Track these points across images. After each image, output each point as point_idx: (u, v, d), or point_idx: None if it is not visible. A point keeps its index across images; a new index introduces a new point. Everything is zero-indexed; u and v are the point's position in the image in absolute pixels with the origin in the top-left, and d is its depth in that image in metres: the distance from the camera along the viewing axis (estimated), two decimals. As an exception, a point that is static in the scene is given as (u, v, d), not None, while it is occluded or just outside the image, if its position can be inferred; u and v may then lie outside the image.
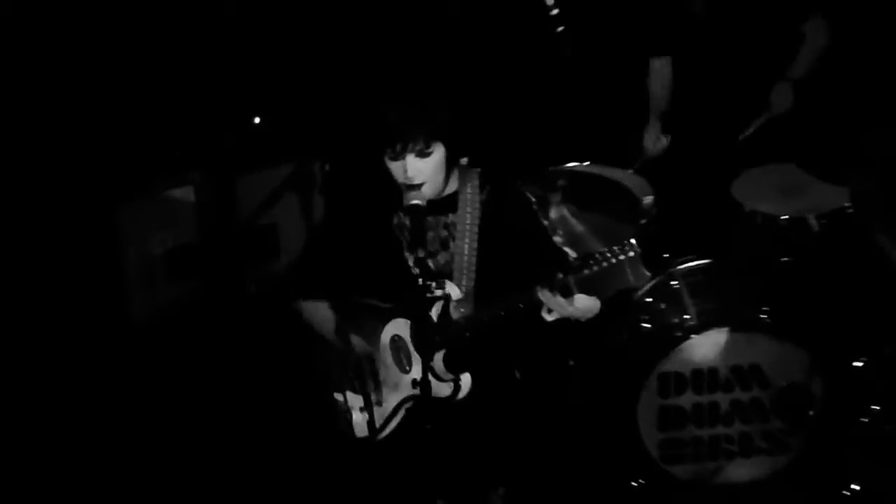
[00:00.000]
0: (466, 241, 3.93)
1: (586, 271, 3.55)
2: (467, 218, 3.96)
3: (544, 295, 3.64)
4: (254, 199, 5.81)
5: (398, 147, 3.82)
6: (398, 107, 3.83)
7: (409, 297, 3.91)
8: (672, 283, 4.99)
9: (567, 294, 3.62)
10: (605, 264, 3.52)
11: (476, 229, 3.95)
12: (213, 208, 5.64)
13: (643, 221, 4.90)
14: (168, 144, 5.60)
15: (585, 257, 3.55)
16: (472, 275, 3.96)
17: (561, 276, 3.59)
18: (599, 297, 3.71)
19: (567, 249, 4.27)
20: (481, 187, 4.01)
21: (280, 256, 5.83)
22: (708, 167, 5.38)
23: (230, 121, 5.74)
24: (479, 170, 4.06)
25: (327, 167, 5.76)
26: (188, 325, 5.56)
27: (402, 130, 3.79)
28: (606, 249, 3.52)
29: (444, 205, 3.98)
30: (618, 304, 4.05)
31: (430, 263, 3.93)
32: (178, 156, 5.60)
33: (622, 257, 3.51)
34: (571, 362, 4.88)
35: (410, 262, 3.98)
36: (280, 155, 5.84)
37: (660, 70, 5.38)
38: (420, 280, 3.81)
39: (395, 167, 3.87)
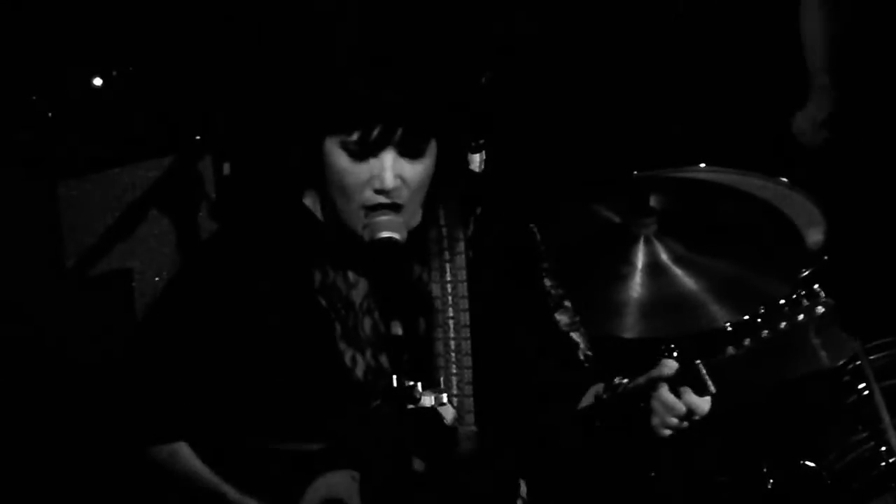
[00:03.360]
0: (450, 312, 3.46)
1: (731, 349, 3.08)
2: (447, 269, 3.49)
3: (662, 398, 3.15)
4: (89, 225, 4.94)
5: (374, 134, 3.26)
6: (379, 60, 3.36)
7: (358, 423, 3.37)
8: (859, 385, 4.33)
9: (703, 392, 3.17)
10: (782, 327, 3.03)
11: (464, 289, 3.45)
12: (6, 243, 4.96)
13: (806, 272, 4.21)
14: None
15: (730, 327, 3.46)
16: (467, 373, 3.44)
17: (696, 363, 3.15)
18: (754, 391, 3.21)
19: (578, 339, 3.59)
20: (465, 213, 3.55)
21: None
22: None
23: (44, 81, 4.93)
24: (459, 185, 3.61)
25: (227, 168, 4.97)
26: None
27: (390, 106, 3.28)
28: (765, 308, 3.07)
29: (409, 248, 3.48)
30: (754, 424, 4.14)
31: (381, 359, 3.45)
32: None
33: (802, 317, 3.02)
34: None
35: (354, 357, 3.42)
36: (140, 144, 4.98)
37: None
38: (394, 380, 3.20)
39: (355, 170, 3.29)
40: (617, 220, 4.23)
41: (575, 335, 3.61)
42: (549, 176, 4.73)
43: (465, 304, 3.46)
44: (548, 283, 3.56)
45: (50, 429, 4.90)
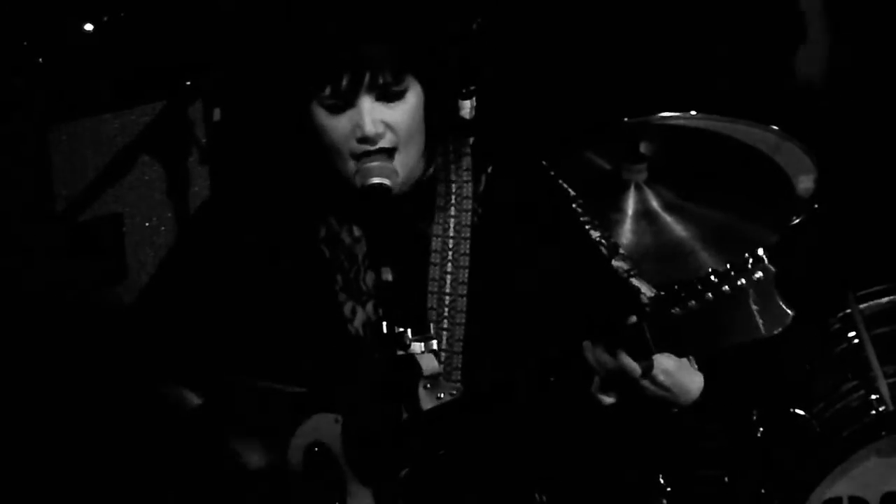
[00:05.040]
0: (449, 267, 3.46)
1: (676, 310, 3.02)
2: (450, 225, 3.48)
3: (596, 356, 3.13)
4: (79, 170, 4.91)
5: (344, 83, 3.29)
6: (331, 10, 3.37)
7: (344, 369, 3.41)
8: (849, 334, 4.37)
9: (641, 354, 3.09)
10: (709, 297, 2.99)
11: (466, 247, 3.45)
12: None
13: (797, 220, 4.25)
14: None
15: (675, 288, 3.05)
16: (459, 329, 3.44)
17: (631, 320, 3.14)
18: (699, 358, 3.26)
19: (639, 284, 3.58)
20: (476, 169, 3.52)
21: (127, 277, 5.00)
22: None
23: (35, 27, 4.88)
24: (469, 139, 3.58)
25: (217, 114, 4.93)
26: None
27: (351, 49, 3.30)
28: (711, 271, 2.99)
29: (415, 202, 3.52)
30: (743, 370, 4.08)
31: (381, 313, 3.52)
32: None
33: (742, 282, 2.96)
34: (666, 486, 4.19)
35: (353, 309, 3.47)
36: (130, 89, 4.94)
37: None
38: (384, 329, 3.30)
39: (335, 125, 3.32)
40: (607, 166, 4.28)
41: (635, 280, 3.62)
42: (540, 123, 4.60)
43: (465, 261, 3.47)
44: (595, 234, 3.57)
45: (44, 378, 4.91)
